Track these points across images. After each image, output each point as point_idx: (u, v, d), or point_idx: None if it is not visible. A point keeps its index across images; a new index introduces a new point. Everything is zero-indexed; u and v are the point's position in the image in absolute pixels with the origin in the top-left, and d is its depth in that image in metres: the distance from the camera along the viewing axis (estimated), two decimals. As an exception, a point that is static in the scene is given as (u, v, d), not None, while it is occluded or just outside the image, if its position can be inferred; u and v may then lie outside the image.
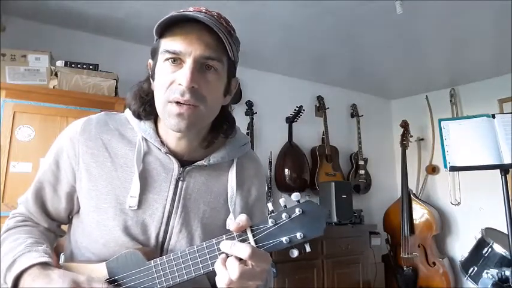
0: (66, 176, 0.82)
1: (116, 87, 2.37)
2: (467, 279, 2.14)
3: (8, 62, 2.16)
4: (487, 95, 3.66)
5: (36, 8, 2.45)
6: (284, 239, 0.66)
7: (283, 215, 0.67)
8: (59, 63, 2.27)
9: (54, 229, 0.87)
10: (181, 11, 0.75)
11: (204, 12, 0.75)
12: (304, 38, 2.92)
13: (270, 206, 0.70)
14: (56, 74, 2.24)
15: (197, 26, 0.74)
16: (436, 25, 2.69)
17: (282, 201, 0.69)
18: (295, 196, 0.68)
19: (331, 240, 3.05)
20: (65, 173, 0.82)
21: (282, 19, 2.61)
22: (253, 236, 0.67)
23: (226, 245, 0.66)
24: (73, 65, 2.28)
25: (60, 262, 0.84)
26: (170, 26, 0.75)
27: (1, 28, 2.36)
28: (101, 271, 0.73)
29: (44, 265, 0.71)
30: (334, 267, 3.01)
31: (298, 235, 0.66)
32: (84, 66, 2.31)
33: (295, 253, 0.67)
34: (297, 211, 0.67)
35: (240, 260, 0.65)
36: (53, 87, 2.22)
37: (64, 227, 0.90)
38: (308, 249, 0.68)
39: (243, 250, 0.64)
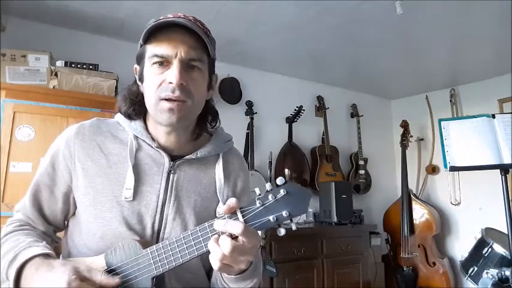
0: (62, 176, 0.86)
1: (116, 87, 2.37)
2: (467, 279, 2.14)
3: (8, 62, 2.16)
4: (487, 95, 3.66)
5: (36, 8, 2.45)
6: (271, 218, 0.71)
7: (270, 196, 0.72)
8: (59, 63, 2.27)
9: (51, 233, 0.90)
10: (162, 18, 0.82)
11: (183, 18, 0.82)
12: (304, 38, 2.92)
13: (257, 190, 0.74)
14: (56, 74, 2.24)
15: (179, 30, 0.81)
16: (436, 25, 2.69)
17: (268, 185, 0.73)
18: (279, 180, 0.72)
19: (331, 240, 3.05)
20: (61, 174, 0.86)
21: (282, 19, 2.61)
22: (243, 216, 0.72)
23: (219, 224, 0.71)
24: (73, 65, 2.28)
25: None
26: (154, 33, 0.82)
27: (1, 28, 2.36)
28: (99, 263, 0.77)
29: (45, 256, 0.75)
30: (334, 267, 3.01)
31: (284, 213, 0.71)
32: (84, 66, 2.31)
33: (282, 231, 0.71)
34: (282, 192, 0.71)
35: (232, 237, 0.69)
36: (53, 87, 2.22)
37: (60, 235, 0.94)
38: (294, 227, 0.73)
39: (236, 227, 0.69)
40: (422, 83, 3.95)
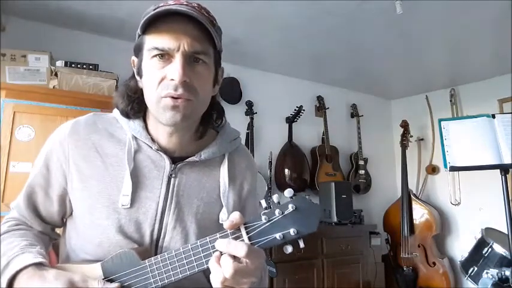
0: (57, 178, 0.82)
1: (116, 87, 2.37)
2: (467, 279, 2.14)
3: (8, 62, 2.16)
4: (487, 95, 3.66)
5: (36, 8, 2.45)
6: (278, 236, 0.66)
7: (276, 212, 0.67)
8: (59, 63, 2.27)
9: (49, 232, 0.87)
10: (161, 5, 0.75)
11: (186, 5, 0.74)
12: (304, 38, 2.92)
13: (263, 202, 0.70)
14: (56, 74, 2.24)
15: (181, 20, 0.73)
16: (436, 25, 2.69)
17: (275, 197, 0.68)
18: (288, 192, 0.68)
19: (331, 240, 3.05)
20: (56, 176, 0.82)
21: (282, 19, 2.61)
22: (247, 233, 0.67)
23: (221, 244, 0.66)
24: (73, 65, 2.28)
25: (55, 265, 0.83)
26: (153, 22, 0.74)
27: (1, 28, 2.36)
28: (96, 271, 0.73)
29: (38, 265, 0.71)
30: (334, 267, 3.01)
31: (292, 231, 0.66)
32: (84, 66, 2.31)
33: (289, 249, 0.67)
34: (290, 207, 0.67)
35: (234, 257, 0.64)
36: (53, 87, 2.22)
37: (59, 230, 0.90)
38: (302, 245, 0.67)
39: (239, 249, 0.64)
40: (422, 83, 3.95)
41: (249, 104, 3.33)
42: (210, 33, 0.75)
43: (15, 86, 2.11)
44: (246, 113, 3.30)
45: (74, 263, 0.78)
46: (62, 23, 2.65)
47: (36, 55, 2.22)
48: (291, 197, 0.68)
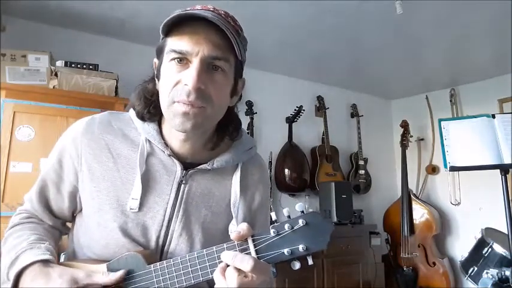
0: (68, 175, 0.82)
1: (116, 87, 2.37)
2: (467, 279, 2.15)
3: (8, 62, 2.16)
4: (487, 95, 3.66)
5: (36, 8, 2.45)
6: (286, 251, 0.64)
7: (286, 226, 0.65)
8: (59, 63, 2.27)
9: (59, 226, 0.88)
10: (188, 9, 0.73)
11: (212, 11, 0.73)
12: (304, 38, 2.92)
13: (273, 215, 0.69)
14: (56, 74, 2.24)
15: (204, 25, 0.71)
16: (436, 25, 2.69)
17: (285, 211, 0.67)
18: (299, 206, 0.66)
19: (331, 240, 2.97)
20: (68, 173, 0.82)
21: (282, 19, 2.61)
22: (255, 246, 0.66)
23: (227, 256, 0.64)
24: (73, 65, 2.28)
25: (60, 261, 0.84)
26: (177, 25, 0.73)
27: (1, 28, 2.36)
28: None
29: (45, 262, 0.72)
30: (334, 267, 3.01)
31: (301, 247, 0.64)
32: (84, 66, 2.31)
33: (296, 265, 0.65)
34: (300, 222, 0.65)
35: (240, 270, 0.63)
36: (53, 87, 2.22)
37: (69, 224, 0.91)
38: (310, 262, 0.66)
39: (245, 263, 0.62)
40: (422, 83, 3.95)
41: (249, 104, 3.33)
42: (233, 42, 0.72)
43: (15, 86, 2.11)
44: (246, 113, 3.30)
45: (81, 261, 0.78)
46: (62, 23, 2.65)
47: (36, 55, 2.22)
48: (302, 212, 0.66)
